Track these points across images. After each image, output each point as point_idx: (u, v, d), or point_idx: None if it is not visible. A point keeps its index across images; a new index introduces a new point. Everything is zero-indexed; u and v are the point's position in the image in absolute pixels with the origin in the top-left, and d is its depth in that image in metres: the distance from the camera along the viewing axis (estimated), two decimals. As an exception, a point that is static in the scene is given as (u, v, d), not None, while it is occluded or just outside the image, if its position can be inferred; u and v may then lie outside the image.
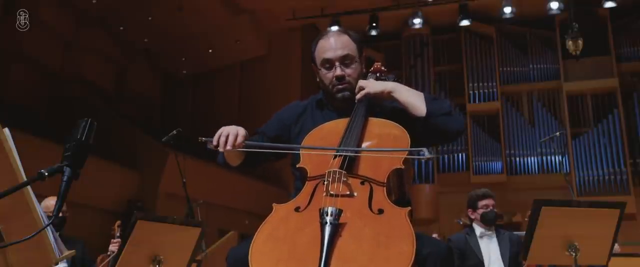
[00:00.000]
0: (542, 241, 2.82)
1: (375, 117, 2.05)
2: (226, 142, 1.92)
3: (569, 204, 2.94)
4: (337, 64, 2.12)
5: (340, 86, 2.12)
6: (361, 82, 2.10)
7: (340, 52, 2.12)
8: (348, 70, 2.13)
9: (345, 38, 2.16)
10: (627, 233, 7.64)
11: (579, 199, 10.36)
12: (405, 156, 1.85)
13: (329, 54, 2.13)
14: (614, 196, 11.21)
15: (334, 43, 2.14)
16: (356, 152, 1.85)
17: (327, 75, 2.14)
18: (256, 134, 2.23)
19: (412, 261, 1.51)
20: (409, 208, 1.69)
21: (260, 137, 2.22)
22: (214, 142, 1.95)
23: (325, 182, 1.75)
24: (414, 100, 2.03)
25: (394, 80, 2.29)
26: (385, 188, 1.78)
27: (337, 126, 2.01)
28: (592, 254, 2.84)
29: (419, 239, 1.59)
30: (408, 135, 1.93)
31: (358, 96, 2.06)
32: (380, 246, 1.55)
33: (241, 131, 1.96)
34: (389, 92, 2.04)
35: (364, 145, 1.94)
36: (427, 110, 1.99)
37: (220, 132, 1.96)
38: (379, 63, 2.36)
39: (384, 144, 1.95)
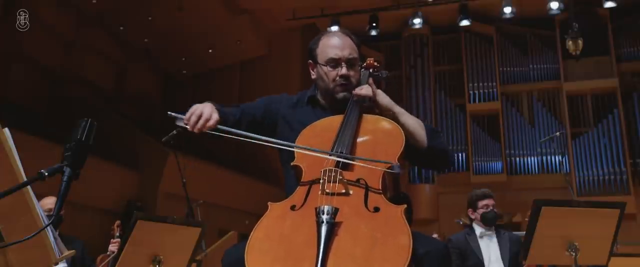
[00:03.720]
0: (542, 241, 2.82)
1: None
2: (196, 123, 1.88)
3: (569, 204, 2.95)
4: (343, 63, 2.13)
5: (343, 86, 2.13)
6: (376, 90, 2.10)
7: (347, 52, 2.13)
8: (352, 72, 2.14)
9: (350, 40, 2.18)
10: (627, 233, 7.65)
11: (579, 199, 10.36)
12: (386, 167, 1.82)
13: (337, 53, 2.13)
14: (614, 196, 11.21)
15: (341, 43, 2.15)
16: (343, 157, 1.84)
17: (331, 74, 2.13)
18: (237, 108, 2.19)
19: (409, 259, 1.51)
20: (405, 206, 1.70)
21: (238, 111, 2.16)
22: (185, 120, 1.90)
23: (321, 181, 1.75)
24: (418, 130, 2.04)
25: (386, 77, 2.32)
26: (380, 186, 1.78)
27: (331, 123, 2.02)
28: (592, 254, 2.85)
29: (416, 238, 1.59)
30: (402, 130, 1.95)
31: (363, 92, 2.05)
32: (377, 244, 1.56)
33: (214, 116, 1.91)
34: (394, 113, 2.05)
35: (359, 141, 1.95)
36: (428, 144, 2.02)
37: (193, 110, 1.91)
38: (372, 58, 2.36)
39: (379, 140, 1.97)
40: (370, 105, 2.09)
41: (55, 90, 11.46)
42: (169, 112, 1.95)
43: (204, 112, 1.89)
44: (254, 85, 13.66)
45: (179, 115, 1.92)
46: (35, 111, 10.75)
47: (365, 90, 2.07)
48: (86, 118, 1.50)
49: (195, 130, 1.88)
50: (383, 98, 2.08)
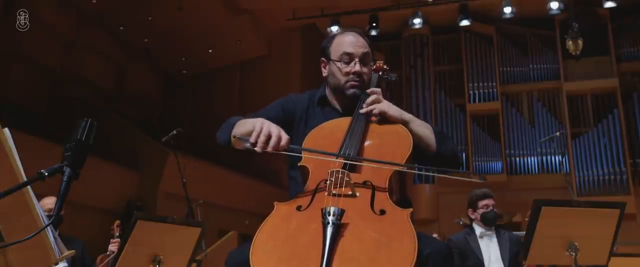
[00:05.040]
0: (542, 241, 2.82)
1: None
2: (266, 143, 1.79)
3: (569, 204, 2.94)
4: (357, 59, 2.14)
5: (355, 82, 2.13)
6: (383, 100, 2.07)
7: (361, 50, 2.15)
8: (365, 69, 2.16)
9: (364, 40, 2.20)
10: (627, 233, 7.64)
11: (579, 199, 10.35)
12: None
13: (351, 49, 2.14)
14: (614, 196, 11.21)
15: (355, 40, 2.17)
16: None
17: (345, 69, 2.14)
18: (254, 115, 2.13)
19: (414, 262, 1.51)
20: (411, 210, 1.69)
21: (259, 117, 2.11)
22: (252, 140, 1.80)
23: (328, 182, 1.75)
24: (427, 134, 2.03)
25: (395, 80, 2.33)
26: (387, 188, 1.78)
27: (339, 125, 2.02)
28: (592, 254, 2.84)
29: (420, 239, 1.59)
30: (409, 132, 1.95)
31: (370, 109, 2.02)
32: (382, 247, 1.55)
33: (284, 136, 1.82)
34: (405, 122, 2.03)
35: (367, 144, 1.94)
36: (437, 149, 2.01)
37: (258, 129, 1.81)
38: (382, 61, 2.36)
39: (387, 142, 1.96)
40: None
41: (55, 90, 11.46)
42: (233, 135, 1.86)
43: (273, 132, 1.80)
44: (254, 85, 13.67)
45: (244, 138, 1.83)
46: (35, 111, 10.75)
47: (376, 108, 2.02)
48: (86, 118, 1.50)
49: (268, 150, 1.78)
50: (390, 109, 2.05)
